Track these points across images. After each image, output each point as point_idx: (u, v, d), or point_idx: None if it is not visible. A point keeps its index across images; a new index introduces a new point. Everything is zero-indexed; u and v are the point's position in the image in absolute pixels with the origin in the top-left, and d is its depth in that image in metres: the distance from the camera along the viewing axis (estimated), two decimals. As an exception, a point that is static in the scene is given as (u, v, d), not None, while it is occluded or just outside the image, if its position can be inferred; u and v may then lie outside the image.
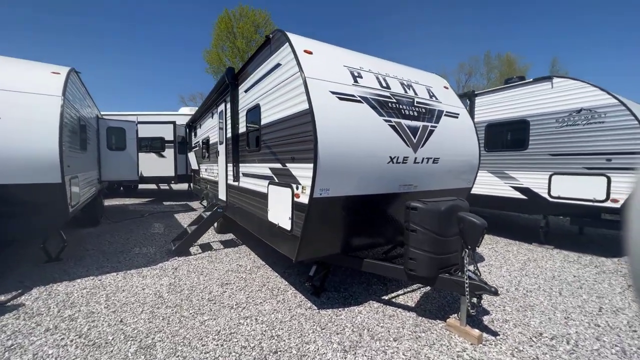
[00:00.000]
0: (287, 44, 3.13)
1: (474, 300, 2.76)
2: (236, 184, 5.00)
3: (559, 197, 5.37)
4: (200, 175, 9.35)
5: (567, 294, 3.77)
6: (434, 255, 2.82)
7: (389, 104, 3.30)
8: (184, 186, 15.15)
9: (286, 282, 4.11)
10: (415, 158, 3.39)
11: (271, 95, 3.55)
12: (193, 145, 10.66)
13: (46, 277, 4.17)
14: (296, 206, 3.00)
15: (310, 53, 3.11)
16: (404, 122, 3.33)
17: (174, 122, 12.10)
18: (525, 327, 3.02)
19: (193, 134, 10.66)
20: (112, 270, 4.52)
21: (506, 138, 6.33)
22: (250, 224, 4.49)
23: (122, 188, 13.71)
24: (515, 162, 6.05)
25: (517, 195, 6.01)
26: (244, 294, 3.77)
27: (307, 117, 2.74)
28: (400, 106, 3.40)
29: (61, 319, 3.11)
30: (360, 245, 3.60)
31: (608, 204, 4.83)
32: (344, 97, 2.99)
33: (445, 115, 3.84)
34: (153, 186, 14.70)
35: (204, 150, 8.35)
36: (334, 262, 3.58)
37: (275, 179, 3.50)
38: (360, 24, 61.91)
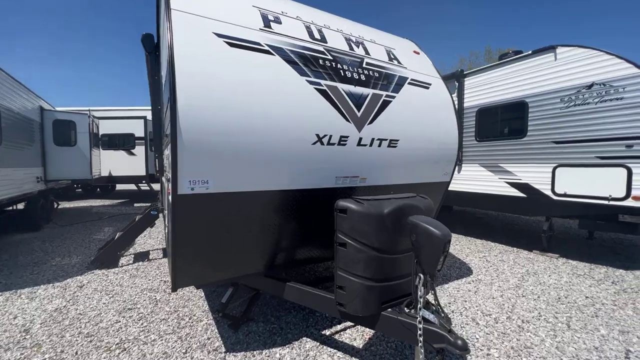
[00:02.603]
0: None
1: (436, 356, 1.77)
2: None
3: (564, 195, 4.34)
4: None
5: (579, 327, 2.75)
6: (372, 282, 1.83)
7: (320, 61, 2.31)
8: (162, 186, 14.28)
9: (207, 307, 3.14)
10: (361, 139, 2.39)
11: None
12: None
13: None
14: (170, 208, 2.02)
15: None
16: (343, 86, 2.33)
17: (144, 117, 11.22)
18: (516, 387, 2.02)
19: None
20: (1, 289, 3.61)
21: (500, 125, 5.28)
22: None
23: (80, 188, 12.76)
24: (512, 153, 5.02)
25: (514, 192, 4.97)
26: (140, 325, 2.81)
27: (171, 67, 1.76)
28: (339, 65, 2.41)
29: None
30: (281, 264, 2.58)
31: (628, 202, 3.81)
32: (241, 43, 2.01)
33: (409, 83, 2.84)
34: (133, 187, 13.83)
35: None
36: (249, 284, 2.59)
37: (166, 169, 2.52)
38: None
